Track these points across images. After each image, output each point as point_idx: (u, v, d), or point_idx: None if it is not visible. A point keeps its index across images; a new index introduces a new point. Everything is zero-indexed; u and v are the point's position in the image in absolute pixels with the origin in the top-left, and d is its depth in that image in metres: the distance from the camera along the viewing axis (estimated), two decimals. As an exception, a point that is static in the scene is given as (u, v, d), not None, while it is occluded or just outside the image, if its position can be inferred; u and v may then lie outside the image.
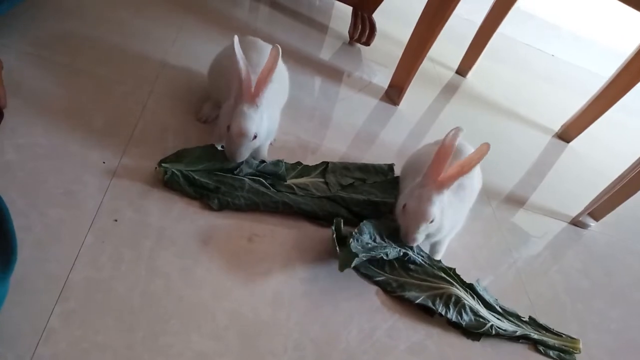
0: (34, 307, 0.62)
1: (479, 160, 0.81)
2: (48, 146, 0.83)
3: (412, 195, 0.83)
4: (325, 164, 1.02)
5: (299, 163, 1.00)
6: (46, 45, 1.03)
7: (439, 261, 0.91)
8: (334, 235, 0.83)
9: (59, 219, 0.73)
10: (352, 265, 0.80)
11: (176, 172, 0.85)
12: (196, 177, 0.86)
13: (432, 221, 0.82)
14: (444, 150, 0.82)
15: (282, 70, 1.00)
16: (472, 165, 0.81)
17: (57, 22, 1.12)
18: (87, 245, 0.71)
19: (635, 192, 1.19)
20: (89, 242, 0.72)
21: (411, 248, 0.88)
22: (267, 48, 0.96)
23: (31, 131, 0.84)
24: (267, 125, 0.89)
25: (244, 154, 0.88)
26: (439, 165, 0.82)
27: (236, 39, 0.84)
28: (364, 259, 0.82)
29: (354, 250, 0.80)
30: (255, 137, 0.86)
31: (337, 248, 0.81)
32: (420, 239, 0.85)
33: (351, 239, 0.82)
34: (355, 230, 0.83)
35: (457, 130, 0.82)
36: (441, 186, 0.81)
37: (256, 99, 0.84)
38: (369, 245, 0.83)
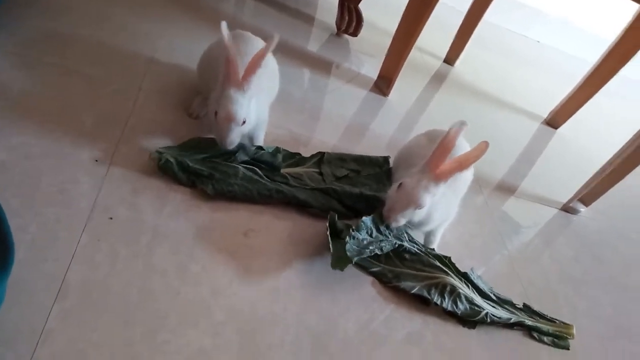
0: (32, 307, 0.62)
1: (477, 158, 0.81)
2: (40, 146, 0.82)
3: (411, 177, 0.83)
4: (321, 154, 1.02)
5: (297, 153, 1.00)
6: (33, 45, 1.02)
7: (433, 249, 0.92)
8: (328, 232, 0.83)
9: (54, 218, 0.72)
10: (344, 268, 0.80)
11: (170, 158, 0.85)
12: (190, 163, 0.86)
13: (421, 208, 0.82)
14: (447, 143, 0.81)
15: (271, 63, 1.00)
16: (470, 162, 0.81)
17: (44, 21, 1.10)
18: (82, 244, 0.71)
19: (624, 177, 1.21)
20: (85, 240, 0.71)
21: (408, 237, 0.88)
22: (255, 40, 0.96)
23: (22, 132, 0.83)
24: (255, 110, 0.87)
25: (234, 140, 0.86)
26: (440, 157, 0.82)
27: (224, 24, 0.83)
28: (357, 260, 0.81)
29: (348, 254, 0.80)
30: (244, 122, 0.85)
31: (331, 245, 0.81)
32: (401, 222, 0.84)
33: (347, 237, 0.81)
34: (353, 227, 0.83)
35: (463, 123, 0.82)
36: (439, 178, 0.82)
37: (244, 84, 0.83)
38: (365, 241, 0.84)
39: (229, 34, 0.83)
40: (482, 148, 0.81)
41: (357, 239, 0.83)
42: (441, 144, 0.82)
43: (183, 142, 0.90)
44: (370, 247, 0.83)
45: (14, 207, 0.70)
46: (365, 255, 0.82)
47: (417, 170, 0.83)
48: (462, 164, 0.81)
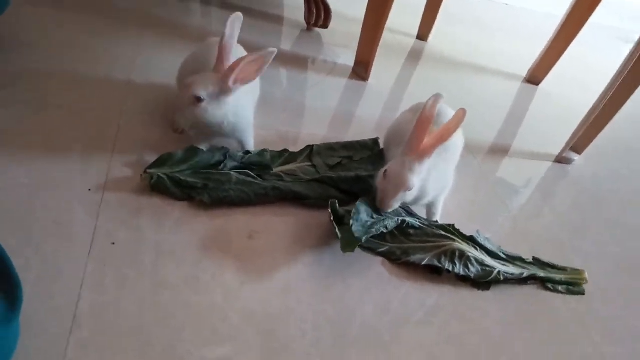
0: (48, 344, 0.62)
1: (457, 126, 0.81)
2: (31, 182, 0.82)
3: (394, 162, 0.84)
4: (310, 147, 1.02)
5: (285, 150, 1.01)
6: (6, 84, 1.01)
7: (437, 222, 0.93)
8: (332, 218, 0.84)
9: (56, 251, 0.72)
10: (355, 248, 0.80)
11: (162, 175, 0.85)
12: (182, 177, 0.86)
13: (410, 189, 0.82)
14: (424, 120, 0.81)
15: None
16: (450, 132, 0.81)
17: (12, 59, 1.10)
18: (89, 272, 0.70)
19: (610, 119, 1.22)
20: (90, 268, 0.71)
21: (407, 214, 0.89)
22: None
23: (11, 170, 0.83)
24: (235, 106, 0.89)
25: (199, 119, 0.87)
26: (420, 134, 0.82)
27: (234, 16, 0.88)
28: (365, 239, 0.82)
29: (356, 235, 0.80)
30: (210, 112, 0.87)
31: (337, 230, 0.82)
32: (396, 206, 0.85)
33: (351, 221, 0.82)
34: (353, 210, 0.83)
35: (437, 97, 0.82)
36: (422, 155, 0.82)
37: (227, 80, 0.85)
38: (369, 222, 0.84)
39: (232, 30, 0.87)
40: (459, 116, 0.81)
41: (360, 220, 0.83)
42: (418, 122, 0.82)
43: (165, 153, 0.90)
44: (376, 227, 0.83)
45: (13, 246, 0.70)
46: (372, 234, 0.83)
47: (400, 153, 0.84)
48: (443, 136, 0.81)
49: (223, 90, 0.86)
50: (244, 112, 0.93)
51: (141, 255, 0.75)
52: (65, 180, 0.84)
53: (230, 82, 0.85)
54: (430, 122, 0.82)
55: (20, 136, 0.90)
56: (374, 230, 0.83)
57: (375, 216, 0.85)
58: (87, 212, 0.79)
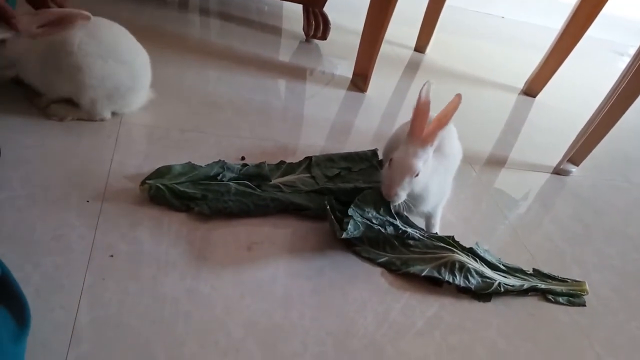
0: (48, 359, 0.61)
1: (454, 110, 0.82)
2: (28, 196, 0.81)
3: (399, 151, 0.85)
4: (309, 158, 1.02)
5: (282, 162, 1.01)
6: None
7: (436, 234, 0.93)
8: (328, 207, 0.85)
9: (55, 265, 0.71)
10: (350, 233, 0.82)
11: (161, 186, 0.84)
12: (181, 188, 0.85)
13: (417, 175, 0.82)
14: (421, 107, 0.83)
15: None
16: (448, 116, 0.82)
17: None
18: (88, 286, 0.70)
19: (608, 131, 1.23)
20: (90, 282, 0.71)
21: (407, 223, 0.88)
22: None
23: (8, 185, 0.82)
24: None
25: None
26: (420, 122, 0.83)
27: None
28: (361, 222, 0.83)
29: (350, 214, 0.82)
30: None
31: (333, 219, 0.83)
32: (402, 196, 0.83)
33: (351, 205, 0.84)
34: (345, 219, 0.84)
35: (428, 84, 0.84)
36: (425, 142, 0.83)
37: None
38: (369, 213, 0.85)
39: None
40: (456, 101, 0.83)
41: (356, 221, 0.84)
42: (416, 109, 0.84)
43: (163, 165, 0.90)
44: (374, 224, 0.84)
45: (12, 262, 0.69)
46: (368, 223, 0.84)
47: (403, 142, 0.85)
48: (442, 120, 0.83)
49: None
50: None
51: (140, 267, 0.75)
52: (64, 193, 0.83)
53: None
54: (428, 108, 0.83)
55: (18, 147, 0.90)
56: (373, 226, 0.84)
57: (374, 214, 0.86)
58: (85, 224, 0.79)
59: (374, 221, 0.85)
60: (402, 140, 0.86)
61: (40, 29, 0.88)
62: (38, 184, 0.84)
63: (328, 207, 0.85)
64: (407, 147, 0.84)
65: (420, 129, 0.83)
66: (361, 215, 0.84)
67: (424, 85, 0.84)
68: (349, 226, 0.82)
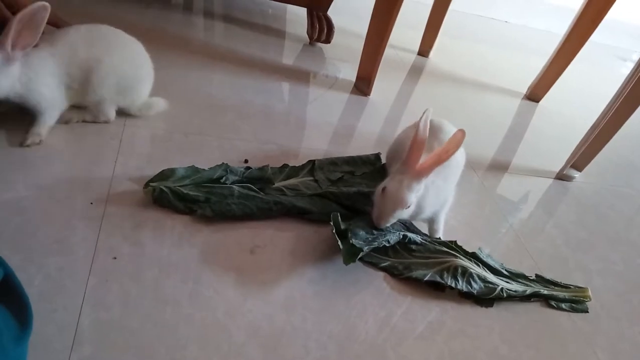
0: None
1: (456, 148, 0.81)
2: (31, 198, 0.81)
3: (392, 180, 0.84)
4: (312, 162, 1.02)
5: (285, 165, 1.01)
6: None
7: (439, 238, 0.93)
8: (334, 231, 0.84)
9: (58, 267, 0.72)
10: (357, 258, 0.80)
11: (164, 188, 0.85)
12: (185, 191, 0.86)
13: (407, 207, 0.83)
14: (419, 139, 0.82)
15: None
16: (449, 154, 0.81)
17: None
18: (91, 288, 0.70)
19: (611, 137, 1.23)
20: (92, 283, 0.71)
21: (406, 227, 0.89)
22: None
23: (11, 187, 0.82)
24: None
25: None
26: (416, 154, 0.82)
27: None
28: (368, 250, 0.82)
29: (357, 245, 0.80)
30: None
31: (340, 243, 0.81)
32: (391, 222, 0.85)
33: (349, 234, 0.82)
34: (350, 234, 0.83)
35: (427, 112, 0.83)
36: (420, 174, 0.82)
37: None
38: (369, 238, 0.84)
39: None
40: (458, 137, 0.81)
41: (360, 236, 0.83)
42: (413, 141, 0.82)
43: (167, 168, 0.90)
44: (378, 240, 0.83)
45: (15, 264, 0.69)
46: (374, 247, 0.83)
47: (397, 170, 0.84)
48: (441, 157, 0.82)
49: None
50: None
51: (143, 270, 0.75)
52: (67, 195, 0.83)
53: None
54: (425, 140, 0.82)
55: (22, 149, 0.90)
56: (375, 243, 0.83)
57: (375, 232, 0.85)
58: (89, 226, 0.79)
59: (374, 243, 0.84)
60: (407, 147, 0.86)
61: (15, 50, 0.81)
62: (42, 185, 0.84)
63: (334, 230, 0.83)
64: (402, 178, 0.83)
65: (416, 160, 0.82)
66: (364, 242, 0.83)
67: (424, 113, 0.83)
68: (356, 259, 0.81)
